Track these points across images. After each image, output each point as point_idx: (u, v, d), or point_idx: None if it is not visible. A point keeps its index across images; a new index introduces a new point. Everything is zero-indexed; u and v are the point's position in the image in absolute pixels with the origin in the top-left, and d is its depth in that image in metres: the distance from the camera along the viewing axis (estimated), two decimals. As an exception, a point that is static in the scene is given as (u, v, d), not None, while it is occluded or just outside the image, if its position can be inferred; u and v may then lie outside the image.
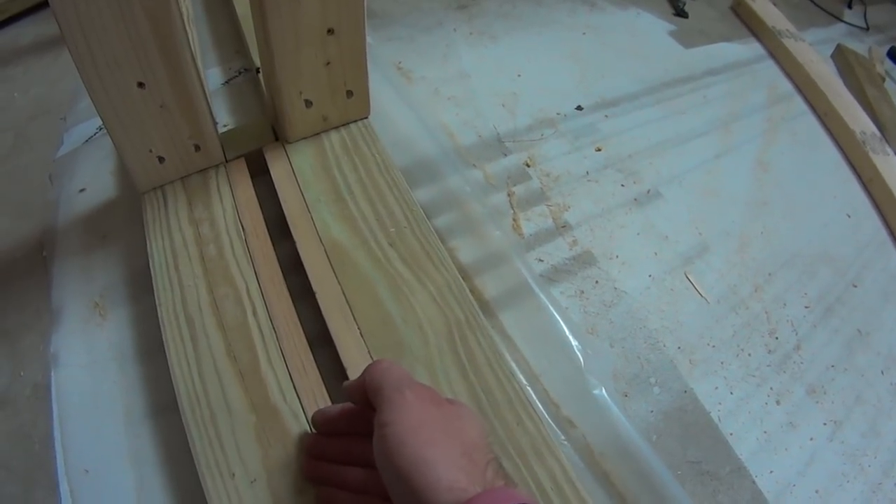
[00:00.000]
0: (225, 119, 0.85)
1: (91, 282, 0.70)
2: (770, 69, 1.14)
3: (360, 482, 0.47)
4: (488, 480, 0.38)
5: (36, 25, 1.02)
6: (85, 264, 0.71)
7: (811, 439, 0.68)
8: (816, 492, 0.64)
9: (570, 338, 0.68)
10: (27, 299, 0.70)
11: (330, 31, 0.64)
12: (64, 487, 0.57)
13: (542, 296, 0.71)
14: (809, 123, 1.07)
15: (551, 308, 0.70)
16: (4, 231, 0.76)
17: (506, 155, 0.86)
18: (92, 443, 0.60)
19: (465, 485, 0.36)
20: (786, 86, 1.12)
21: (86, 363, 0.65)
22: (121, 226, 0.74)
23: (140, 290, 0.69)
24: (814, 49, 1.20)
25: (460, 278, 0.64)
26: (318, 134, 0.75)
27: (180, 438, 0.55)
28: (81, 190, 0.78)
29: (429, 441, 0.39)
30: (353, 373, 0.57)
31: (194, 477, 0.52)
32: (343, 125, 0.76)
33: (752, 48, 1.16)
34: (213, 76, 0.91)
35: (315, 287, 0.62)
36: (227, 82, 0.91)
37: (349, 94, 0.72)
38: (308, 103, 0.70)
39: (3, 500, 0.57)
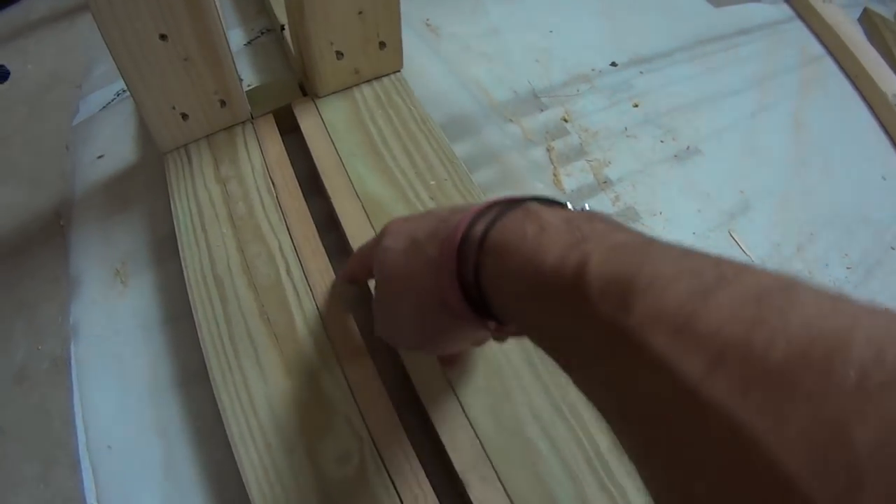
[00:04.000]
0: (249, 79, 0.82)
1: (112, 249, 0.67)
2: (800, 30, 1.11)
3: None
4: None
5: (48, -1, 1.00)
6: (105, 231, 0.69)
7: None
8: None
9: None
10: (44, 269, 0.67)
11: (362, -22, 0.61)
12: (85, 465, 0.55)
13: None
14: (841, 84, 1.04)
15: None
16: (20, 202, 0.74)
17: (542, 110, 0.83)
18: (115, 417, 0.57)
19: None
20: (816, 47, 1.09)
21: (107, 333, 0.62)
22: (142, 191, 0.71)
23: (164, 254, 0.66)
24: (843, 11, 1.17)
25: (507, 232, 0.61)
26: (349, 88, 0.72)
27: (211, 408, 0.52)
28: (100, 156, 0.75)
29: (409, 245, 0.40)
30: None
31: (226, 448, 0.49)
32: (375, 78, 0.73)
33: (780, 9, 1.13)
34: (235, 37, 0.88)
35: (352, 243, 0.59)
36: (249, 42, 0.88)
37: (382, 45, 0.69)
38: (339, 55, 0.67)
39: (21, 479, 0.55)
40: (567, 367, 0.29)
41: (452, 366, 0.52)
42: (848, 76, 1.07)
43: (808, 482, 0.17)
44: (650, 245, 0.26)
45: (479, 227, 0.34)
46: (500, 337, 0.41)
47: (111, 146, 0.77)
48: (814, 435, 0.17)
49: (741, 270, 0.23)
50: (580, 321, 0.26)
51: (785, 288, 0.21)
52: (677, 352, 0.21)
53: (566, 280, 0.27)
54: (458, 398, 0.51)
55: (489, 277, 0.33)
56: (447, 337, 0.42)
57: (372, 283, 0.55)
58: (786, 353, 0.19)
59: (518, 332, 0.38)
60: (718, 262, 0.23)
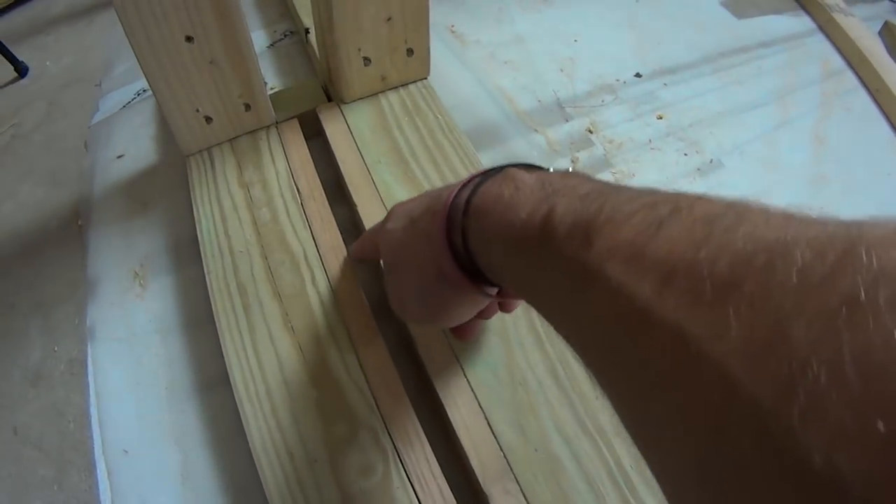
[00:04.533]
0: (272, 82, 0.82)
1: (130, 251, 0.67)
2: (821, 43, 1.11)
3: None
4: None
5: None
6: (123, 233, 0.68)
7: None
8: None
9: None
10: (61, 270, 0.67)
11: (392, -15, 0.61)
12: (101, 469, 0.54)
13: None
14: (862, 99, 1.03)
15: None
16: (38, 200, 0.73)
17: (567, 121, 0.83)
18: (131, 421, 0.56)
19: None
20: (837, 61, 1.09)
21: (125, 336, 0.61)
22: (162, 192, 0.71)
23: (184, 258, 0.65)
24: (864, 25, 1.17)
25: (533, 243, 0.60)
26: (375, 94, 0.72)
27: (230, 415, 0.52)
28: (119, 156, 0.75)
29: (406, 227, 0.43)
30: (421, 343, 0.54)
31: (246, 457, 0.49)
32: (402, 85, 0.73)
33: (802, 21, 1.13)
34: (258, 39, 0.88)
35: (378, 251, 0.59)
36: (271, 45, 0.87)
37: (409, 52, 0.69)
38: (367, 61, 0.67)
39: (35, 483, 0.54)
40: (548, 315, 0.31)
41: (464, 338, 0.52)
42: (868, 90, 1.07)
43: (751, 382, 0.17)
44: (614, 189, 0.28)
45: (464, 195, 0.36)
46: (505, 305, 0.45)
47: (131, 146, 0.76)
48: (755, 336, 0.18)
49: (696, 200, 0.24)
50: (549, 264, 0.28)
51: (737, 210, 0.22)
52: (630, 276, 0.22)
53: (535, 230, 0.29)
54: (482, 411, 0.50)
55: (474, 240, 0.35)
56: (451, 306, 0.43)
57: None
58: (730, 264, 0.20)
59: (515, 295, 0.41)
60: (676, 196, 0.24)
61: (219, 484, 0.53)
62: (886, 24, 1.26)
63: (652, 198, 0.25)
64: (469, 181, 0.37)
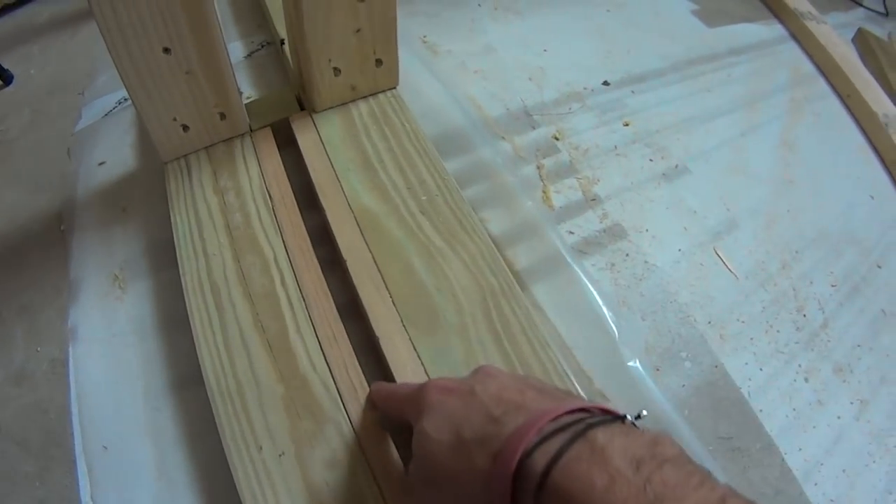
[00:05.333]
0: (248, 92, 0.84)
1: (110, 255, 0.69)
2: (792, 50, 1.13)
3: None
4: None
5: (51, 4, 1.02)
6: (104, 237, 0.70)
7: (838, 418, 0.67)
8: (843, 471, 0.63)
9: (604, 309, 0.67)
10: (45, 274, 0.69)
11: (360, -2, 0.63)
12: (81, 465, 0.56)
13: (574, 267, 0.69)
14: (832, 105, 1.05)
15: (584, 279, 0.69)
16: (22, 205, 0.75)
17: (534, 128, 0.85)
18: (111, 419, 0.58)
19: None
20: (808, 67, 1.11)
21: (105, 337, 0.63)
22: (141, 198, 0.73)
23: (161, 262, 0.67)
24: (836, 32, 1.18)
25: (494, 247, 0.62)
26: (346, 103, 0.74)
27: (203, 412, 0.54)
28: (101, 163, 0.77)
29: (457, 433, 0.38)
30: (385, 343, 0.56)
31: (218, 452, 0.51)
32: (371, 95, 0.75)
33: (773, 29, 1.15)
34: (234, 50, 0.90)
35: (345, 255, 0.61)
36: (248, 56, 0.89)
37: (378, 62, 0.71)
38: (337, 71, 0.69)
39: (18, 479, 0.56)
40: None
41: None
42: (839, 96, 1.08)
43: None
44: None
45: (540, 461, 0.32)
46: None
47: (112, 153, 0.78)
48: None
49: None
50: None
51: None
52: None
53: None
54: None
55: None
56: None
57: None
58: None
59: None
60: None
61: (192, 478, 0.55)
62: (860, 31, 1.28)
63: None
64: (541, 432, 0.33)
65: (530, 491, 0.32)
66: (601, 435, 0.32)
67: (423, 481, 0.40)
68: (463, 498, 0.37)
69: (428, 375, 0.54)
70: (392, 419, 0.50)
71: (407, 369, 0.54)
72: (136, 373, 0.61)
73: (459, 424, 0.38)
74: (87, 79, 0.89)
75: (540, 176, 0.80)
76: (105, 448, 0.57)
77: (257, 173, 0.67)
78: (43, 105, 0.86)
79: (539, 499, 0.31)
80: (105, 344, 0.63)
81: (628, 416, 0.35)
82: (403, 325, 0.57)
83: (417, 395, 0.43)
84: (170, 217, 0.65)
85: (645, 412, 0.36)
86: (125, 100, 0.83)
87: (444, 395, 0.41)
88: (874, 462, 0.65)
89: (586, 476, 0.30)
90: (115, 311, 0.65)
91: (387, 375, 0.56)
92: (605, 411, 0.35)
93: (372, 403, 0.52)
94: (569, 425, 0.33)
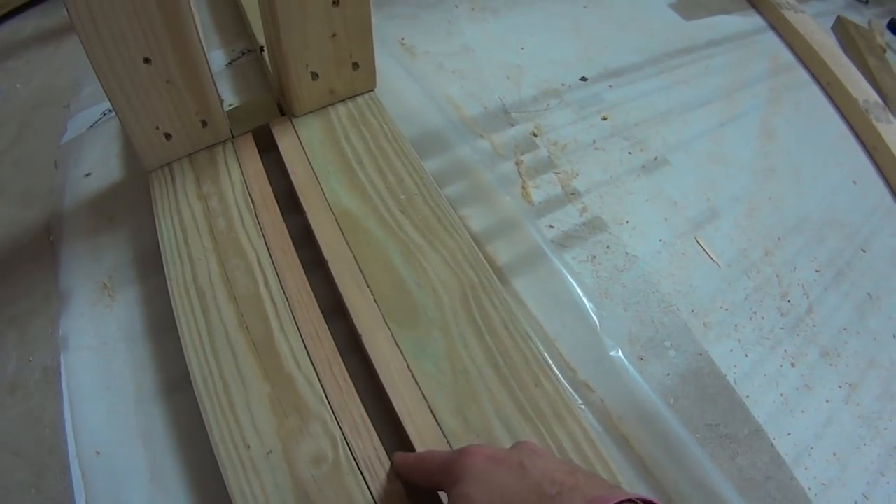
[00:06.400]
0: (230, 99, 0.85)
1: (99, 264, 0.70)
2: (771, 40, 1.13)
3: None
4: None
5: (36, 18, 1.02)
6: (92, 247, 0.71)
7: (827, 402, 0.68)
8: (834, 454, 0.64)
9: (585, 301, 0.68)
10: (35, 285, 0.69)
11: (335, 3, 0.64)
12: (75, 470, 0.57)
13: (555, 260, 0.70)
14: (812, 93, 1.06)
15: (565, 272, 0.70)
16: (11, 218, 0.75)
17: (512, 125, 0.86)
18: (103, 424, 0.59)
19: None
20: (787, 56, 1.11)
21: (95, 345, 0.64)
22: (128, 207, 0.74)
23: (149, 269, 0.68)
24: (815, 20, 1.19)
25: (473, 243, 0.63)
26: (324, 107, 0.75)
27: (193, 415, 0.55)
28: (87, 174, 0.78)
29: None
30: (368, 339, 0.57)
31: (209, 454, 0.51)
32: (350, 98, 0.76)
33: (752, 20, 1.16)
34: (216, 58, 0.91)
35: (327, 255, 0.62)
36: (230, 63, 0.90)
37: (355, 66, 0.72)
38: (314, 76, 0.70)
39: (13, 487, 0.57)
40: None
41: None
42: (819, 84, 1.09)
43: None
44: None
45: None
46: None
47: (98, 164, 0.79)
48: None
49: None
50: None
51: None
52: None
53: None
54: (426, 400, 0.54)
55: None
56: None
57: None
58: None
59: None
60: None
61: (184, 479, 0.56)
62: (839, 19, 1.29)
63: None
64: None
65: None
66: None
67: None
68: None
69: (410, 369, 0.55)
70: (419, 488, 0.49)
71: (390, 363, 0.56)
72: (127, 378, 0.62)
73: (510, 498, 0.37)
74: (72, 91, 0.89)
75: (519, 172, 0.81)
76: (98, 453, 0.58)
77: (239, 178, 0.68)
78: (29, 118, 0.87)
79: None
80: (96, 351, 0.64)
81: None
82: (385, 322, 0.58)
83: (456, 462, 0.41)
84: (155, 224, 0.66)
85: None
86: (109, 111, 0.84)
87: (491, 465, 0.40)
88: (865, 445, 0.66)
89: None
90: (105, 319, 0.66)
91: (370, 371, 0.57)
92: (649, 503, 0.35)
93: (396, 474, 0.50)
94: None
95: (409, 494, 0.49)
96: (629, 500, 0.35)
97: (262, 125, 0.73)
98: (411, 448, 0.51)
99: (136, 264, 0.69)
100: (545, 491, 0.36)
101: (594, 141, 0.86)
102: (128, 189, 0.76)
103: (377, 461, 0.51)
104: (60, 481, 0.56)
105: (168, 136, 0.67)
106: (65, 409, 0.60)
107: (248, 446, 0.51)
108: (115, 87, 0.60)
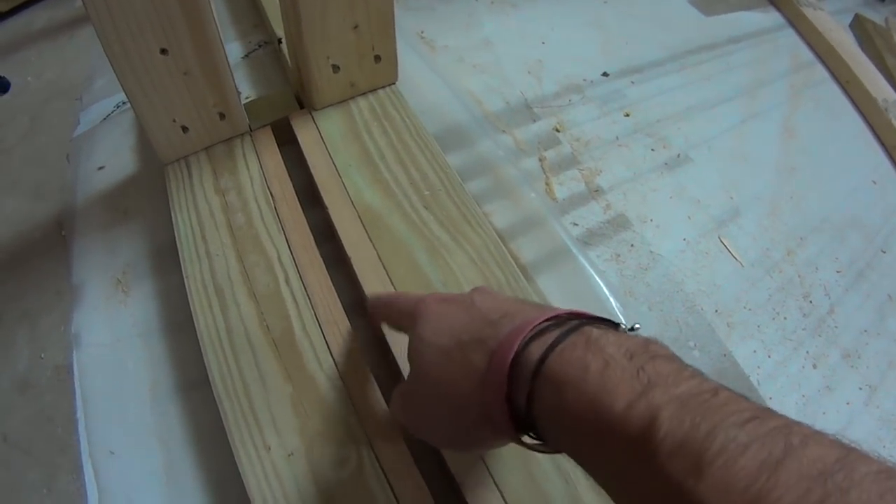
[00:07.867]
0: (247, 92, 0.84)
1: (113, 259, 0.68)
2: (790, 37, 1.13)
3: None
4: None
5: (47, 10, 1.01)
6: (106, 241, 0.70)
7: (848, 404, 0.67)
8: (856, 456, 0.63)
9: (611, 300, 0.67)
10: (47, 280, 0.68)
11: (357, -6, 0.63)
12: (88, 471, 0.56)
13: (580, 258, 0.69)
14: (832, 91, 1.05)
15: (590, 270, 0.68)
16: (22, 212, 0.74)
17: (535, 121, 0.84)
18: (116, 423, 0.58)
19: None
20: (807, 54, 1.10)
21: (109, 342, 0.63)
22: (142, 201, 0.73)
23: (164, 264, 0.67)
24: (832, 18, 1.18)
25: (499, 240, 0.62)
26: (345, 100, 0.73)
27: (211, 414, 0.53)
28: (100, 168, 0.76)
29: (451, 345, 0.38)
30: (392, 340, 0.55)
31: (227, 454, 0.50)
32: (371, 91, 0.74)
33: (771, 17, 1.15)
34: (232, 50, 0.90)
35: (349, 252, 0.61)
36: (246, 56, 0.89)
37: (377, 58, 0.71)
38: (335, 68, 0.68)
39: (24, 487, 0.55)
40: (611, 494, 0.29)
41: None
42: (839, 82, 1.08)
43: None
44: (717, 399, 0.27)
45: (535, 352, 0.32)
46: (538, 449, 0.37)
47: (111, 157, 0.78)
48: None
49: (806, 440, 0.24)
50: (644, 474, 0.26)
51: (845, 463, 0.23)
52: None
53: (633, 431, 0.27)
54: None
55: (545, 408, 0.32)
56: (481, 444, 0.41)
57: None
58: None
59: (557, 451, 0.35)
60: (787, 429, 0.24)
61: (201, 480, 0.54)
62: (857, 17, 1.28)
63: (762, 427, 0.25)
64: (537, 328, 0.34)
65: (526, 379, 0.32)
66: (596, 331, 0.32)
67: (419, 387, 0.41)
68: (459, 398, 0.37)
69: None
70: (389, 326, 0.52)
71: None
72: (142, 376, 0.60)
73: (458, 329, 0.38)
74: (85, 83, 0.88)
75: (542, 168, 0.80)
76: (112, 453, 0.56)
77: (258, 172, 0.67)
78: (41, 111, 0.85)
79: (534, 386, 0.32)
80: (109, 348, 0.62)
81: (623, 325, 0.35)
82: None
83: (416, 305, 0.43)
84: (171, 219, 0.64)
85: (638, 325, 0.36)
86: (123, 103, 0.83)
87: (443, 305, 0.41)
88: (884, 447, 0.65)
89: (581, 361, 0.30)
90: (119, 315, 0.64)
91: (394, 371, 0.55)
92: (602, 319, 0.35)
93: (369, 312, 0.53)
94: (564, 322, 0.34)
95: (434, 498, 0.48)
96: (577, 314, 0.35)
97: (281, 118, 0.72)
98: (438, 453, 0.50)
99: (151, 259, 0.68)
100: (489, 318, 0.37)
101: (617, 137, 0.85)
102: (142, 183, 0.75)
103: (401, 464, 0.49)
104: (73, 482, 0.55)
105: (185, 128, 0.65)
106: (77, 408, 0.59)
107: (269, 448, 0.50)
108: (130, 78, 0.58)
